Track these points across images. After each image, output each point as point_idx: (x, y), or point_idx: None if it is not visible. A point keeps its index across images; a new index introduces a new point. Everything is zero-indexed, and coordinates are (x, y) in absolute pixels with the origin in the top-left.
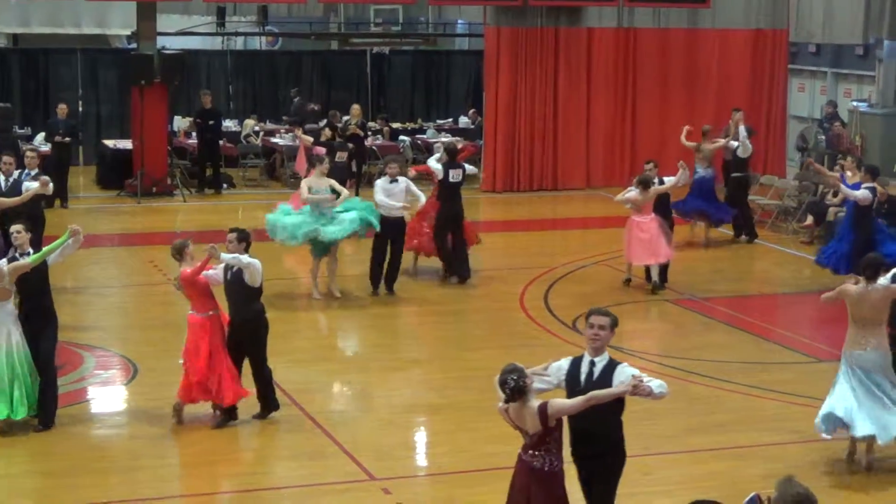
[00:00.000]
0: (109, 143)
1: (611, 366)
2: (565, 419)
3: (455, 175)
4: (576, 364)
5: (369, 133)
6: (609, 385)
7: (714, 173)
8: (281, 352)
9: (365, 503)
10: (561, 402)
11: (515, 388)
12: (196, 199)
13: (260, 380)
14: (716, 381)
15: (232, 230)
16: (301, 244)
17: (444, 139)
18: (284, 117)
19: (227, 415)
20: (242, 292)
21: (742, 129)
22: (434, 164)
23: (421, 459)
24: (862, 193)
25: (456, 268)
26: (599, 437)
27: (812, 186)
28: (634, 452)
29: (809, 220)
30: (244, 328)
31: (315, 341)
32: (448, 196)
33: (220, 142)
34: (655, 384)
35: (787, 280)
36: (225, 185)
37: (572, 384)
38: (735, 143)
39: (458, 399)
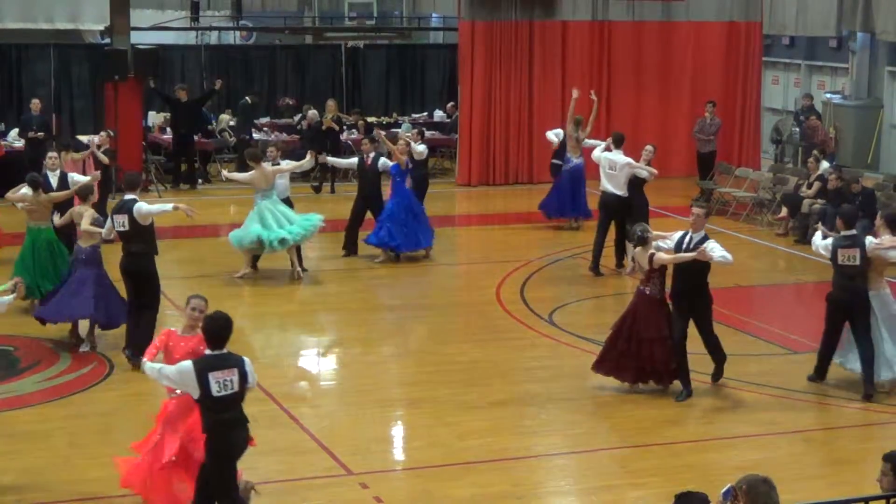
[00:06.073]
0: (84, 138)
1: (702, 240)
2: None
3: None
4: (682, 236)
5: (344, 127)
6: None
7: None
8: (258, 348)
9: (343, 498)
10: (661, 254)
11: (640, 237)
12: (171, 195)
13: None
14: (692, 372)
15: None
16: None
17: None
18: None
19: None
20: None
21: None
22: None
23: (398, 454)
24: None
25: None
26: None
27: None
28: (610, 444)
29: (784, 212)
30: None
31: (292, 337)
32: None
33: (195, 137)
34: (717, 253)
35: (762, 272)
36: (200, 181)
37: (677, 247)
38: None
39: (435, 393)
